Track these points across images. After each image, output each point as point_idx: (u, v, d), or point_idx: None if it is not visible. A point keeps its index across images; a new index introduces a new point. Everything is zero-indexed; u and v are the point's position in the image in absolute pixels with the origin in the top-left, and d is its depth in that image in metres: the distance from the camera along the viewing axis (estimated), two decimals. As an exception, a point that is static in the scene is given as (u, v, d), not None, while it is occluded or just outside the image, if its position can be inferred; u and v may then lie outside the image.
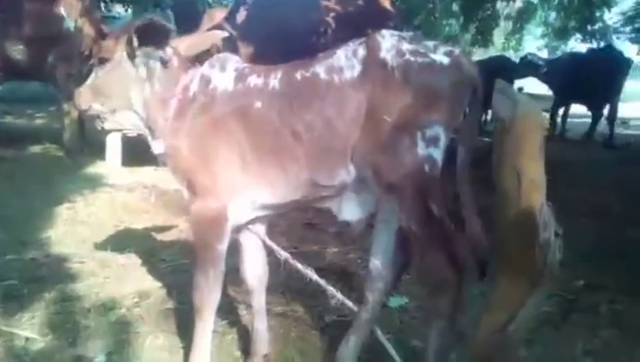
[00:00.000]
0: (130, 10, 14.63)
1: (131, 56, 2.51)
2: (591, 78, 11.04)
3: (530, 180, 1.78)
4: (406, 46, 2.20)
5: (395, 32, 2.32)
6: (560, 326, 3.23)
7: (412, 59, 2.16)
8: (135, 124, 2.70)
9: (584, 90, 11.42)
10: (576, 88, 11.51)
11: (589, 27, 14.71)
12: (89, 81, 2.65)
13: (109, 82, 2.59)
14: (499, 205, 1.92)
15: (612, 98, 11.62)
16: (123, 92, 2.58)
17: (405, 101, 2.13)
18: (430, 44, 2.25)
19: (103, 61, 2.59)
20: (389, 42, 2.23)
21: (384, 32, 2.31)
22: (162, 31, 2.49)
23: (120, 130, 6.96)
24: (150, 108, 2.57)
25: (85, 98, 2.65)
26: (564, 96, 12.18)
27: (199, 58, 2.71)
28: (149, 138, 2.67)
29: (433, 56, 2.18)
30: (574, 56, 13.05)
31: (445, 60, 2.17)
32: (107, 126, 3.17)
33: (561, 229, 1.84)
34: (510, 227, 1.88)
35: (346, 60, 2.28)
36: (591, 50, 13.27)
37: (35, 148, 7.98)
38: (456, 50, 2.24)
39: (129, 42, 2.48)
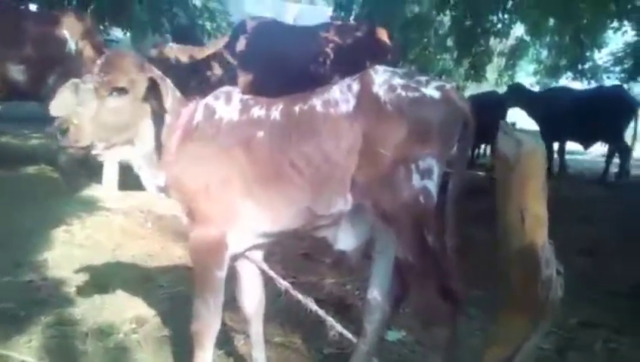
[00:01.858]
0: (128, 34, 14.74)
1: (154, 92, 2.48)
2: (584, 115, 11.13)
3: (534, 217, 1.83)
4: (398, 81, 2.29)
5: (389, 68, 2.42)
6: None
7: (403, 93, 2.25)
8: (129, 157, 2.64)
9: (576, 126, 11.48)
10: (568, 123, 11.54)
11: (579, 66, 15.04)
12: (90, 114, 2.36)
13: (121, 116, 2.45)
14: (502, 241, 1.96)
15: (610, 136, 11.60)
16: (132, 127, 2.52)
17: (398, 134, 2.21)
18: (422, 78, 2.34)
19: (119, 91, 2.41)
20: (381, 77, 2.32)
21: (377, 67, 2.41)
22: None
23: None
24: (156, 142, 2.59)
25: (86, 133, 2.37)
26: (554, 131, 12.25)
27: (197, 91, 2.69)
28: (144, 170, 2.65)
29: (424, 90, 2.27)
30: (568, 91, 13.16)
31: (436, 94, 2.26)
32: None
33: (562, 267, 1.89)
34: (513, 263, 1.93)
35: (341, 94, 2.37)
36: (598, 88, 13.34)
37: (31, 169, 7.95)
38: (447, 85, 2.34)
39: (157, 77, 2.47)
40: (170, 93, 2.49)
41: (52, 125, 2.33)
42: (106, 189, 7.17)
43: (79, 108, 2.36)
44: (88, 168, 7.63)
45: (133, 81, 2.42)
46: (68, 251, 4.75)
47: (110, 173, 7.28)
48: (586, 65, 15.39)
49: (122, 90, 2.40)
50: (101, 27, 10.97)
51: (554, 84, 17.95)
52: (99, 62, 2.42)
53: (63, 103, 2.51)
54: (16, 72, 7.18)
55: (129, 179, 7.04)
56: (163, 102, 2.44)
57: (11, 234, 4.98)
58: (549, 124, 11.55)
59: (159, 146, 2.58)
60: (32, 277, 4.08)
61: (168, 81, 2.59)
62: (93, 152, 2.51)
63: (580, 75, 15.67)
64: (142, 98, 2.48)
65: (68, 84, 2.52)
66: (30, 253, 4.57)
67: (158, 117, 2.54)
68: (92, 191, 7.09)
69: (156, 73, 2.52)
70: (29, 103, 8.89)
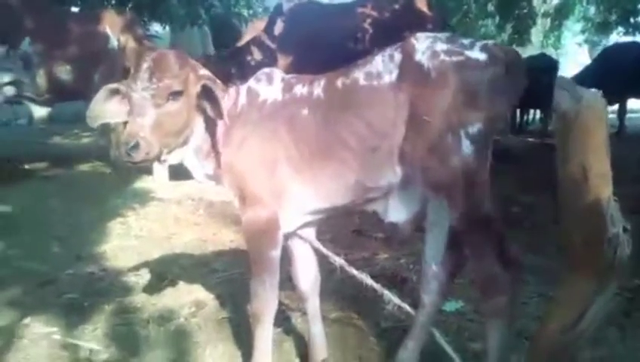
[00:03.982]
0: (167, 28, 14.93)
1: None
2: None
3: (598, 174, 1.74)
4: (440, 46, 2.21)
5: (430, 34, 2.33)
6: (624, 325, 3.14)
7: (447, 58, 2.17)
8: (183, 155, 2.59)
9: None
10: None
11: (632, 19, 14.28)
12: (152, 123, 2.26)
13: (180, 119, 2.38)
14: (564, 201, 1.88)
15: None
16: (189, 127, 2.46)
17: (445, 100, 2.14)
18: (466, 41, 2.25)
19: (175, 95, 2.32)
20: (423, 44, 2.24)
21: (419, 34, 2.33)
22: None
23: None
24: (205, 135, 2.57)
25: (154, 143, 2.27)
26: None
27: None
28: (193, 162, 2.63)
29: (468, 53, 2.18)
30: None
31: (482, 56, 2.17)
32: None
33: (629, 224, 1.80)
34: (577, 223, 1.85)
35: (383, 65, 2.31)
36: None
37: (85, 166, 8.21)
38: (492, 44, 2.24)
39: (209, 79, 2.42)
40: (219, 89, 2.44)
41: (115, 148, 2.30)
42: (157, 180, 7.34)
43: (138, 119, 2.27)
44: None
45: (185, 82, 2.34)
46: (125, 242, 4.90)
47: (160, 164, 7.42)
48: (639, 18, 14.58)
49: (178, 93, 2.32)
50: (141, 23, 11.14)
51: (604, 42, 17.23)
52: (145, 65, 2.29)
53: (101, 113, 2.48)
54: (63, 73, 7.37)
55: (179, 169, 7.19)
56: (218, 105, 2.37)
57: (71, 229, 5.18)
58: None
59: (214, 142, 2.56)
60: (92, 269, 4.23)
61: (211, 75, 2.53)
62: (162, 159, 2.45)
63: (633, 28, 14.84)
64: (194, 97, 2.42)
65: (101, 92, 2.45)
66: (89, 246, 4.74)
67: (207, 111, 2.50)
68: (144, 183, 7.27)
69: (203, 72, 2.47)
70: (77, 103, 9.16)
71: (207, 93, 2.40)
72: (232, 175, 2.53)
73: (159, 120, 2.28)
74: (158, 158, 2.38)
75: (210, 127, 2.55)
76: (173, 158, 2.55)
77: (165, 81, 2.27)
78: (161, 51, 2.43)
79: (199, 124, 2.54)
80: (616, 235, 1.75)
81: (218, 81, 2.52)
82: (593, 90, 1.76)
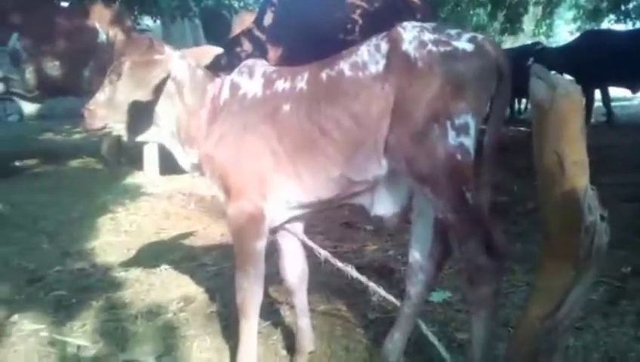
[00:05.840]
0: (158, 22, 14.86)
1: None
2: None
3: (574, 163, 1.74)
4: (428, 36, 2.19)
5: (417, 24, 2.30)
6: (609, 313, 3.16)
7: (434, 49, 2.15)
8: (156, 137, 2.71)
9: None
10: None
11: (622, 6, 14.28)
12: (102, 97, 2.50)
13: (133, 97, 2.50)
14: (542, 190, 1.88)
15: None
16: (148, 107, 2.55)
17: (431, 91, 2.12)
18: (453, 32, 2.22)
19: (133, 73, 2.48)
20: (410, 34, 2.22)
21: (406, 24, 2.30)
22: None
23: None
24: (182, 121, 2.61)
25: (98, 116, 2.53)
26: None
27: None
28: (177, 149, 2.70)
29: (456, 43, 2.16)
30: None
31: (469, 47, 2.15)
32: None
33: (606, 212, 1.80)
34: (554, 211, 1.85)
35: (369, 55, 2.29)
36: None
37: (75, 162, 8.20)
38: (480, 36, 2.22)
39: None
40: (188, 70, 2.48)
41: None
42: (147, 175, 7.33)
43: (97, 93, 2.48)
44: (129, 156, 7.81)
45: (148, 63, 2.44)
46: (114, 238, 4.89)
47: (151, 159, 7.42)
48: (630, 5, 14.57)
49: (133, 71, 2.45)
50: (131, 17, 11.08)
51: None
52: (119, 47, 2.51)
53: None
54: (53, 69, 7.31)
55: (170, 164, 7.20)
56: (180, 81, 2.48)
57: (60, 225, 5.17)
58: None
59: (184, 125, 2.59)
60: (81, 265, 4.22)
61: (189, 59, 2.58)
62: (115, 133, 2.66)
63: (623, 15, 14.84)
64: (157, 78, 2.48)
65: None
66: (78, 243, 4.73)
67: (180, 96, 2.54)
68: (134, 178, 7.26)
69: (171, 52, 2.52)
70: (68, 99, 9.14)
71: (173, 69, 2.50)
72: (212, 167, 2.54)
73: (110, 96, 2.46)
74: (104, 130, 2.60)
75: (189, 115, 2.57)
76: (135, 136, 2.65)
77: (122, 59, 2.44)
78: (137, 35, 2.51)
79: (167, 108, 2.57)
80: (593, 223, 1.75)
81: (188, 59, 2.56)
82: (569, 77, 1.76)
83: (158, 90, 2.52)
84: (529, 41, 16.20)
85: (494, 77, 2.19)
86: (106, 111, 2.50)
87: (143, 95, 2.50)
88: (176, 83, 2.53)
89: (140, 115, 2.53)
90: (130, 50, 2.49)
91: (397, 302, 2.74)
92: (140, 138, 2.70)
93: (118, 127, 2.57)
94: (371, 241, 4.60)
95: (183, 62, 2.58)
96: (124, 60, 2.46)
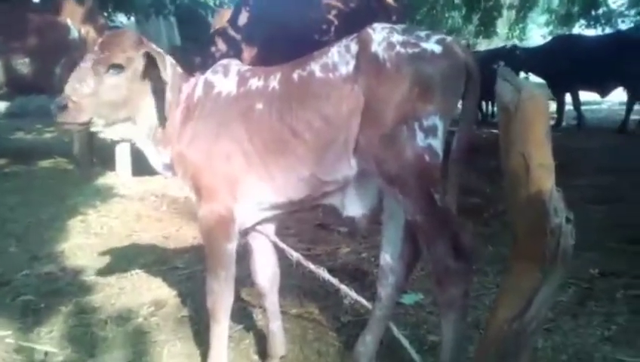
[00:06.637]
0: (132, 19, 14.69)
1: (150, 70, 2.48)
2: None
3: (539, 165, 1.75)
4: (397, 37, 2.20)
5: (387, 25, 2.31)
6: (577, 314, 3.20)
7: (403, 50, 2.16)
8: (132, 135, 2.65)
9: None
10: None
11: (593, 12, 14.58)
12: (88, 91, 2.35)
13: (119, 93, 2.43)
14: (508, 192, 1.90)
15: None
16: (131, 104, 2.50)
17: (399, 92, 2.13)
18: (422, 33, 2.24)
19: (116, 68, 2.39)
20: (380, 35, 2.23)
21: (376, 25, 2.31)
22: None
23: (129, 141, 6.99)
24: (156, 119, 2.58)
25: (84, 109, 2.36)
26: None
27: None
28: (149, 148, 2.66)
29: (424, 45, 2.17)
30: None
31: (437, 48, 2.17)
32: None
33: (572, 214, 1.82)
34: (521, 213, 1.86)
35: (339, 57, 2.30)
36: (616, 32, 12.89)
37: (46, 163, 8.04)
38: (448, 38, 2.24)
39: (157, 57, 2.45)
40: (169, 67, 2.47)
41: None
42: (119, 176, 7.23)
43: (76, 84, 2.34)
44: (101, 157, 7.70)
45: (130, 58, 2.40)
46: (84, 240, 4.80)
47: (123, 160, 7.32)
48: (600, 11, 14.89)
49: (119, 67, 2.39)
50: (105, 14, 10.93)
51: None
52: (99, 40, 2.44)
53: None
54: (22, 66, 7.15)
55: (142, 165, 7.10)
56: (162, 75, 2.42)
57: (28, 227, 5.06)
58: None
59: (162, 123, 2.57)
60: (50, 269, 4.12)
61: (168, 56, 2.56)
62: (93, 129, 2.55)
63: (594, 21, 15.17)
64: (140, 74, 2.47)
65: None
66: (47, 245, 4.63)
67: (159, 94, 2.51)
68: (106, 179, 7.15)
69: (153, 48, 2.49)
70: (40, 98, 8.98)
71: (153, 64, 2.44)
72: (184, 166, 2.52)
73: (95, 89, 2.35)
74: (87, 126, 2.45)
75: (164, 112, 2.53)
76: (113, 134, 2.58)
77: (108, 53, 2.37)
78: (119, 30, 2.47)
79: (149, 106, 2.54)
80: (558, 226, 1.76)
81: (167, 56, 2.54)
82: (536, 81, 1.77)
83: (146, 86, 2.51)
84: (502, 44, 16.41)
85: (462, 78, 2.21)
86: (91, 104, 2.36)
87: (132, 90, 2.46)
88: (158, 78, 2.48)
89: (122, 110, 2.48)
90: (120, 43, 2.41)
91: (368, 305, 2.75)
92: (116, 136, 2.66)
93: (100, 123, 2.46)
94: (345, 243, 4.60)
95: (164, 57, 2.53)
96: (114, 53, 2.38)
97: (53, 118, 2.34)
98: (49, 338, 3.14)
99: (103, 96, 2.39)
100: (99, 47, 2.40)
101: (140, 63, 2.45)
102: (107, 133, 2.63)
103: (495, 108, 15.27)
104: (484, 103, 15.03)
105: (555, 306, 3.11)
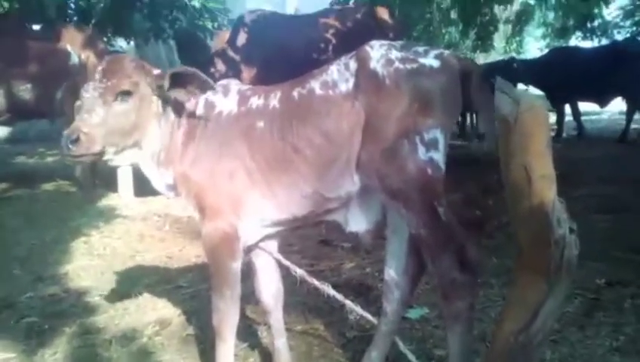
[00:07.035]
0: (132, 43, 14.79)
1: (161, 95, 2.47)
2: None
3: (541, 176, 1.76)
4: (395, 54, 2.23)
5: (385, 42, 2.35)
6: (585, 325, 3.19)
7: (401, 66, 2.19)
8: (138, 159, 2.62)
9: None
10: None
11: (588, 24, 14.68)
12: (98, 120, 2.31)
13: (129, 119, 2.40)
14: (510, 204, 1.90)
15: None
16: (140, 129, 2.47)
17: (399, 108, 2.16)
18: (420, 49, 2.27)
19: (124, 95, 2.36)
20: (378, 52, 2.26)
21: (374, 42, 2.34)
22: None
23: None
24: (160, 141, 2.57)
25: (97, 139, 2.30)
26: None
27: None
28: (152, 171, 2.64)
29: (422, 60, 2.20)
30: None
31: (435, 63, 2.20)
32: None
33: (575, 225, 1.82)
34: (524, 225, 1.87)
35: (339, 74, 2.33)
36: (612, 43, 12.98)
37: (48, 186, 8.04)
38: (446, 52, 2.27)
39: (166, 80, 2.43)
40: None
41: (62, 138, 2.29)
42: (122, 197, 7.23)
43: (85, 115, 2.31)
44: (103, 178, 7.71)
45: (135, 83, 2.38)
46: (88, 262, 4.79)
47: (125, 181, 7.32)
48: (595, 23, 14.98)
49: (127, 93, 2.36)
50: (105, 39, 11.00)
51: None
52: (100, 68, 2.39)
53: None
54: (24, 92, 7.21)
55: (144, 186, 7.11)
56: (173, 95, 2.42)
57: (31, 250, 5.06)
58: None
59: (166, 145, 2.56)
60: (54, 291, 4.12)
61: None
62: (105, 158, 2.49)
63: (590, 33, 15.27)
64: (147, 98, 2.45)
65: None
66: (51, 267, 4.62)
67: (163, 117, 2.52)
68: (109, 200, 7.15)
69: (158, 72, 2.49)
70: (41, 122, 9.02)
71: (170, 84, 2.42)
72: (188, 186, 2.52)
73: (105, 118, 2.32)
74: (100, 156, 2.41)
75: (170, 135, 2.54)
76: (121, 160, 2.56)
77: (114, 81, 2.34)
78: (116, 55, 2.45)
79: (154, 129, 2.53)
80: (562, 236, 1.77)
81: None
82: (535, 92, 1.79)
83: (152, 109, 2.49)
84: (499, 58, 16.50)
85: (462, 92, 2.23)
86: (103, 133, 2.32)
87: (140, 115, 2.44)
88: (163, 104, 2.50)
89: (131, 136, 2.46)
90: (123, 69, 2.38)
91: (374, 320, 2.73)
92: (125, 162, 2.64)
93: (111, 151, 2.42)
94: (348, 259, 4.59)
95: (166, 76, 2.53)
96: (120, 80, 2.35)
97: (65, 151, 2.27)
98: (53, 360, 3.13)
99: (114, 124, 2.35)
100: (100, 74, 2.36)
101: (145, 88, 2.43)
102: (116, 161, 2.56)
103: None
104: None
105: (561, 317, 3.09)
